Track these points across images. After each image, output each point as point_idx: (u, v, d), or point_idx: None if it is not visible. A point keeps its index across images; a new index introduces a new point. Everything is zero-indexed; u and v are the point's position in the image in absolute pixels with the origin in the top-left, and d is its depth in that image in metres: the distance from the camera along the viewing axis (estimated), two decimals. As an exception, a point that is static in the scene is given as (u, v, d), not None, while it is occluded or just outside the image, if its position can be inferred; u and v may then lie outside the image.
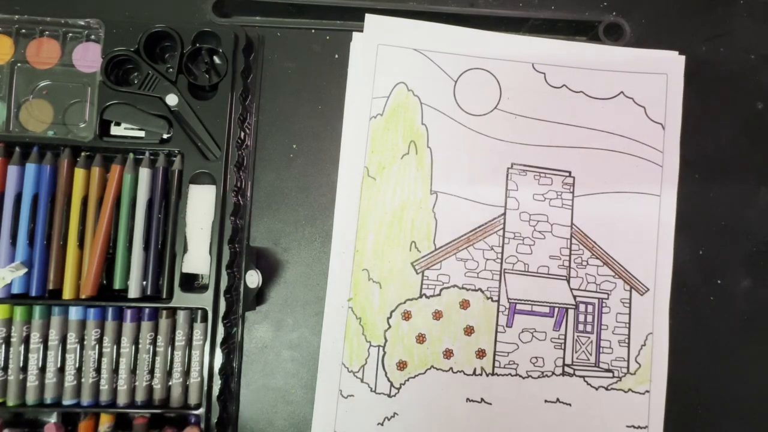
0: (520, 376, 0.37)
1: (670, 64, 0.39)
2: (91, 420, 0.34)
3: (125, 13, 0.39)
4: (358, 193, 0.38)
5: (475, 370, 0.37)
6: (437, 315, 0.37)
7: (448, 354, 0.37)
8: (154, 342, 0.35)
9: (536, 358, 0.37)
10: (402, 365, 0.37)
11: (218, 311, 0.34)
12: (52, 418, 0.35)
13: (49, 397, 0.34)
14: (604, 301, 0.38)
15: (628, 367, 0.38)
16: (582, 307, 0.38)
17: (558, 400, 0.37)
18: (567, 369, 0.37)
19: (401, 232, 0.38)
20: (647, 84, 0.39)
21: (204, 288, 0.35)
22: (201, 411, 0.34)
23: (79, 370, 0.34)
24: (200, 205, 0.35)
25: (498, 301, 0.37)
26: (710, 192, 0.40)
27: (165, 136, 0.36)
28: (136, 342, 0.34)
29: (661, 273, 0.38)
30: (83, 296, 0.34)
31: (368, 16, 0.39)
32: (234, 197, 0.36)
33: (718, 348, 0.39)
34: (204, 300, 0.34)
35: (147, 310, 0.34)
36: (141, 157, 0.36)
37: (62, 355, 0.34)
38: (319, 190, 0.39)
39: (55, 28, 0.36)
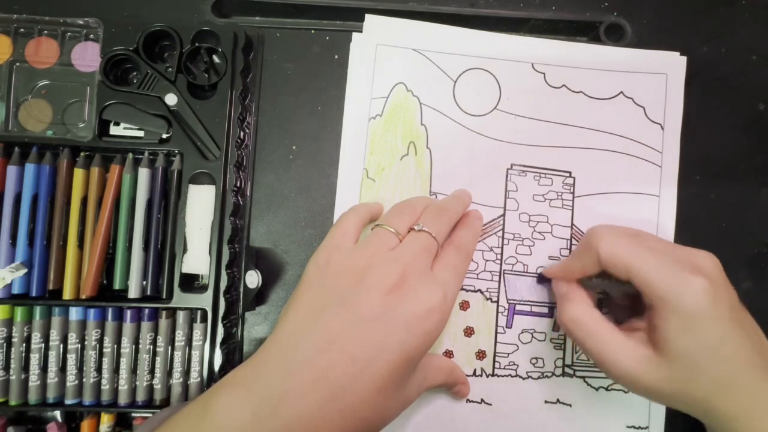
0: (520, 377, 0.37)
1: (671, 64, 0.39)
2: (93, 419, 0.35)
3: (124, 12, 0.39)
4: (357, 196, 0.38)
5: (475, 371, 0.37)
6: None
7: (448, 355, 0.37)
8: (154, 342, 0.35)
9: (536, 358, 0.37)
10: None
11: (218, 311, 0.34)
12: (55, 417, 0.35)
13: (51, 396, 0.34)
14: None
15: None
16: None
17: (558, 400, 0.37)
18: (567, 369, 0.37)
19: (401, 232, 0.37)
20: (646, 84, 0.39)
21: (204, 288, 0.35)
22: (201, 411, 0.34)
23: (80, 370, 0.34)
24: (200, 205, 0.35)
25: (497, 302, 0.37)
26: (711, 194, 0.39)
27: (164, 136, 0.36)
28: (136, 342, 0.34)
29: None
30: (83, 296, 0.34)
31: (368, 17, 0.39)
32: (234, 197, 0.36)
33: (718, 348, 0.38)
34: (204, 300, 0.34)
35: (147, 311, 0.35)
36: (140, 157, 0.36)
37: (63, 355, 0.34)
38: (319, 191, 0.39)
39: (53, 28, 0.36)
